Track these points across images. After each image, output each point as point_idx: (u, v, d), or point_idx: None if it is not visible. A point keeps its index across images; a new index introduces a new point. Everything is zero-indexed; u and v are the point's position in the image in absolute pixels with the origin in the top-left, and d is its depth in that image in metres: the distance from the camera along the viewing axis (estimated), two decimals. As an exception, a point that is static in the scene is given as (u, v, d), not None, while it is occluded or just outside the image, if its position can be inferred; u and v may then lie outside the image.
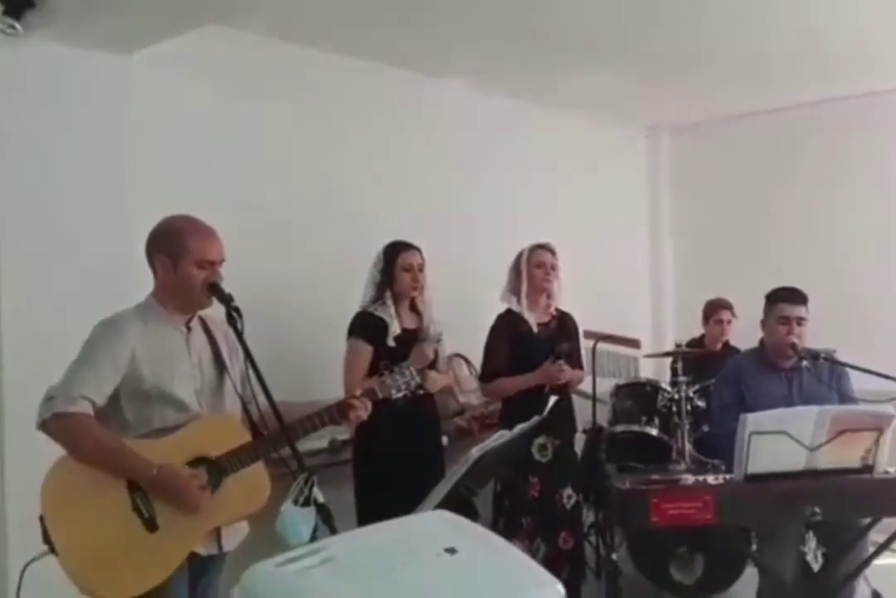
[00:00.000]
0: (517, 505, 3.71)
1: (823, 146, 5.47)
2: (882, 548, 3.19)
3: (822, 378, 3.49)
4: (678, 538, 4.01)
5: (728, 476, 2.98)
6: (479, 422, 4.21)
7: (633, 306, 5.96)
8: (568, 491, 3.78)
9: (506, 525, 3.72)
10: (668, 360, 4.59)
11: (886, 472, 3.01)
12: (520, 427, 2.31)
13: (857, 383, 3.43)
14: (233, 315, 2.26)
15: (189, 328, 2.40)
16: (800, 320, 3.44)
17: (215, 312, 2.41)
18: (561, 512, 3.75)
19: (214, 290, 2.30)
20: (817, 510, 2.84)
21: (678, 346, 4.45)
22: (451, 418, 4.09)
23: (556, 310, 3.92)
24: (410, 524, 1.23)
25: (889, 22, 4.12)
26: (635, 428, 4.35)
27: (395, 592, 1.07)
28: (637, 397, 4.52)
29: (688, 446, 4.22)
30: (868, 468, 2.93)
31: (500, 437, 2.16)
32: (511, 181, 5.10)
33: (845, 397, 3.49)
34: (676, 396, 4.30)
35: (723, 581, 4.04)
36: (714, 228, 5.91)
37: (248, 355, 2.23)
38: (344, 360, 3.38)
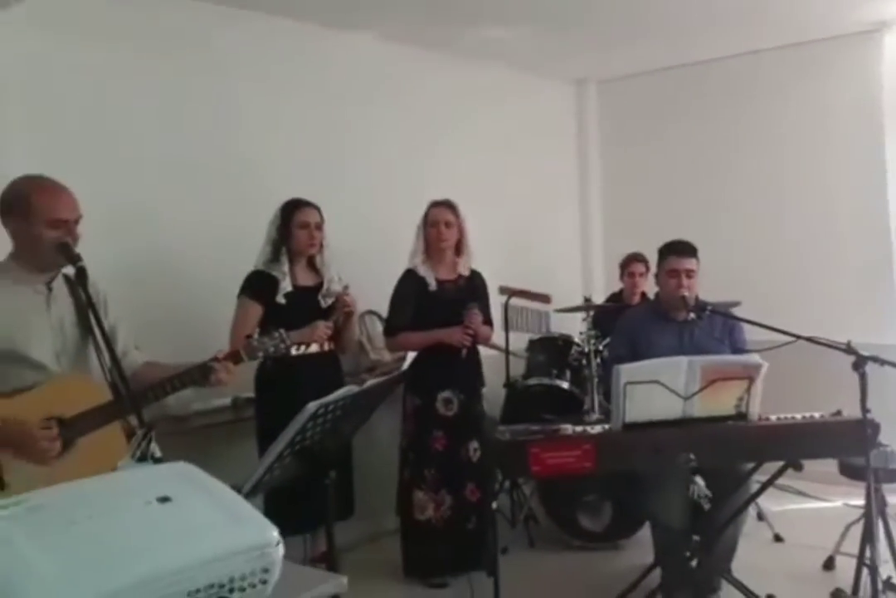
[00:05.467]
0: (422, 458, 3.78)
1: (750, 99, 5.47)
2: (764, 487, 3.30)
3: (715, 330, 3.56)
4: (586, 486, 4.11)
5: (609, 426, 3.05)
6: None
7: (562, 260, 5.98)
8: (474, 444, 3.84)
9: (410, 477, 3.80)
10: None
11: (767, 418, 3.10)
12: (371, 382, 2.34)
13: (758, 334, 3.43)
14: (80, 275, 2.24)
15: (50, 289, 2.39)
16: (688, 273, 3.48)
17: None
18: (467, 465, 3.82)
19: (62, 249, 2.28)
20: (692, 456, 2.92)
21: (587, 300, 4.50)
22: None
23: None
24: (135, 476, 1.25)
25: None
26: (546, 381, 4.43)
27: (88, 538, 1.09)
28: (549, 350, 4.60)
29: (598, 398, 4.30)
30: (742, 416, 3.01)
31: (349, 391, 2.18)
32: (432, 135, 5.02)
33: (736, 349, 3.56)
34: (587, 349, 4.36)
35: (630, 528, 4.16)
36: (643, 181, 5.92)
37: (94, 315, 2.21)
38: (232, 318, 3.39)
